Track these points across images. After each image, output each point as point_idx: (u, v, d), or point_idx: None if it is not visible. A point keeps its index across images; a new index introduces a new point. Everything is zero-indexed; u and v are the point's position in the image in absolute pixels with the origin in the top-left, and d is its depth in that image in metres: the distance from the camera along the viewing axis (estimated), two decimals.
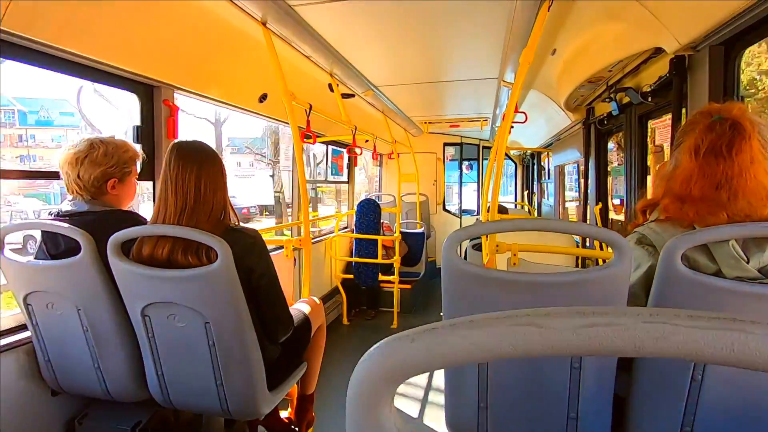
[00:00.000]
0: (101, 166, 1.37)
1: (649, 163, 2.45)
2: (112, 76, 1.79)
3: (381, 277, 4.08)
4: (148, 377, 1.33)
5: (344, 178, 4.69)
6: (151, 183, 2.00)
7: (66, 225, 1.25)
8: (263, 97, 2.56)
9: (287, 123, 3.22)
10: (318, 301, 1.86)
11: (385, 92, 3.40)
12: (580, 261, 3.11)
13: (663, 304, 0.91)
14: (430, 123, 5.15)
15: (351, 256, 4.15)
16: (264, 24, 1.89)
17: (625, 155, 2.59)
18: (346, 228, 4.63)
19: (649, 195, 1.19)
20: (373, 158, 4.25)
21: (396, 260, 3.98)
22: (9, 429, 1.41)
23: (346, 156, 4.46)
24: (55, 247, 1.33)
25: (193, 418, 1.67)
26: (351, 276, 4.11)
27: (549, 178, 5.17)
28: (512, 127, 2.35)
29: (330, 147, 4.15)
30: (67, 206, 1.37)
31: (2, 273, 1.34)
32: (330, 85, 2.80)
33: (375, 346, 0.31)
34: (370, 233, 4.03)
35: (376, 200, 4.40)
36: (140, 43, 1.72)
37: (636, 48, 1.96)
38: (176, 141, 1.29)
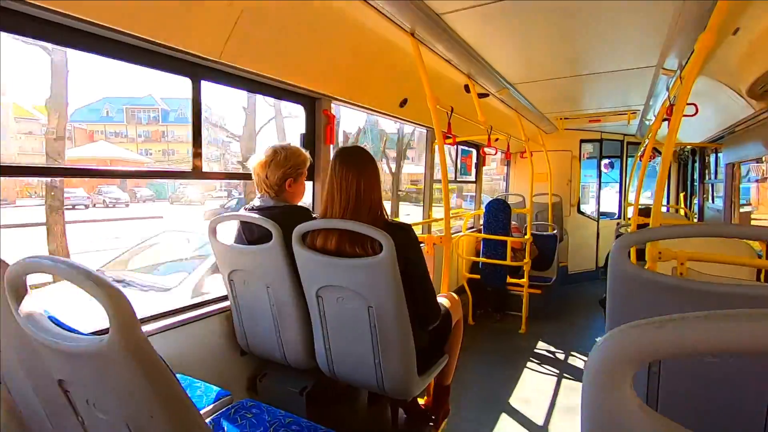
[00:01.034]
0: (282, 168, 1.64)
1: None
2: (283, 91, 2.12)
3: (509, 280, 3.98)
4: (316, 349, 1.55)
5: (472, 177, 4.69)
6: (311, 183, 2.30)
7: (259, 216, 1.53)
8: (403, 102, 2.73)
9: (423, 125, 3.38)
10: (456, 297, 1.92)
11: (520, 89, 3.31)
12: (763, 275, 2.60)
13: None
14: (565, 119, 4.82)
15: (478, 256, 4.13)
16: (412, 34, 2.02)
17: None
18: (472, 228, 4.62)
19: None
20: (505, 157, 4.15)
21: (526, 263, 3.84)
22: (211, 373, 1.77)
23: (474, 155, 4.45)
24: (251, 234, 1.64)
25: (343, 390, 1.88)
26: (477, 276, 4.09)
27: (716, 178, 4.39)
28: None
29: (459, 147, 4.19)
30: (257, 202, 1.67)
31: (214, 254, 1.69)
32: (466, 86, 2.84)
33: (617, 329, 0.35)
34: (499, 234, 3.96)
35: (505, 201, 4.29)
36: (307, 62, 2.00)
37: None
38: (341, 147, 1.48)
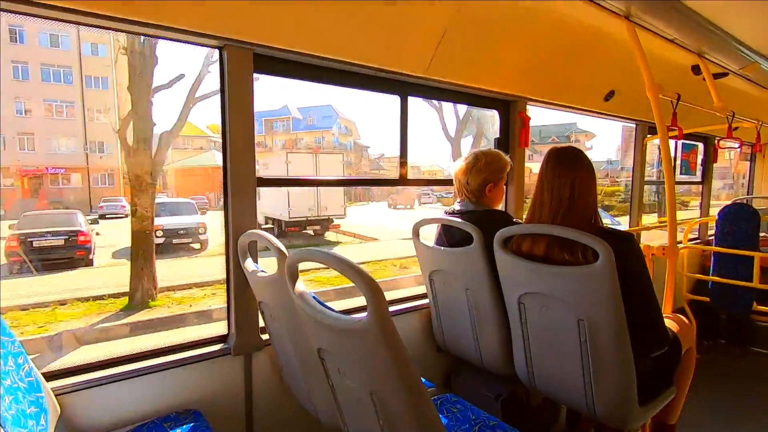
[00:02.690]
0: (483, 173, 1.67)
1: None
2: (479, 98, 2.15)
3: (756, 307, 3.08)
4: (515, 356, 1.52)
5: (697, 177, 3.83)
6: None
7: (461, 220, 1.59)
8: (609, 95, 2.44)
9: (631, 119, 2.95)
10: (687, 321, 1.61)
11: None
12: None
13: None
14: None
15: (705, 273, 3.34)
16: (626, 17, 1.79)
17: None
18: (696, 239, 3.78)
19: None
20: (754, 149, 3.26)
21: None
22: (418, 363, 1.91)
23: (701, 150, 3.64)
24: (451, 237, 1.72)
25: (540, 402, 1.79)
26: (704, 298, 3.31)
27: None
28: None
29: (680, 142, 3.48)
30: (457, 206, 1.74)
31: (417, 254, 1.84)
32: (695, 67, 2.35)
33: None
34: (741, 247, 3.11)
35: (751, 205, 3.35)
36: (504, 66, 1.98)
37: None
38: (553, 148, 1.41)
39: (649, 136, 3.07)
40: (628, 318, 1.25)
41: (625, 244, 1.25)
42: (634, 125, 3.08)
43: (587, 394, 1.30)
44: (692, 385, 1.66)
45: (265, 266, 1.39)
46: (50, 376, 1.22)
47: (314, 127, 34.15)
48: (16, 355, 1.06)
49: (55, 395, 1.16)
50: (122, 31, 1.24)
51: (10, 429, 0.88)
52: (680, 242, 3.56)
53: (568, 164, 1.34)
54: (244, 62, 1.40)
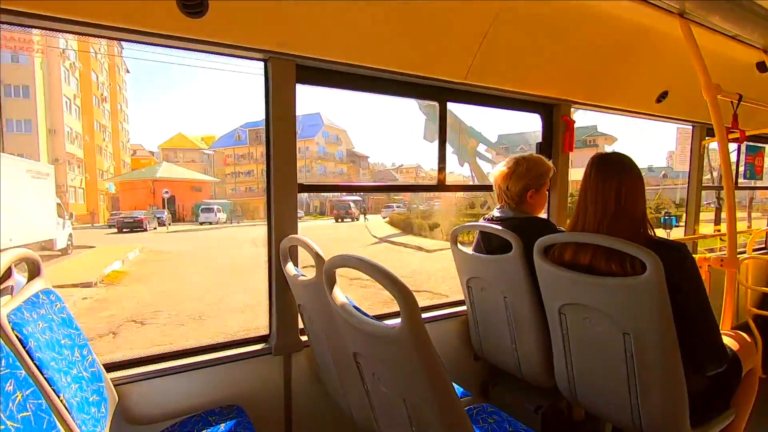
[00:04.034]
0: (524, 179, 1.63)
1: None
2: (520, 102, 2.11)
3: None
4: (556, 368, 1.47)
5: (764, 182, 3.54)
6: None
7: (500, 228, 1.57)
8: (662, 96, 2.31)
9: (687, 121, 2.77)
10: (748, 339, 1.49)
11: None
12: None
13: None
14: None
15: None
16: (681, 14, 1.70)
17: None
18: (763, 249, 3.48)
19: None
20: None
21: None
22: (454, 370, 1.89)
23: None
24: (489, 244, 1.69)
25: (582, 417, 1.72)
26: None
27: None
28: None
29: (744, 144, 3.23)
30: (496, 212, 1.71)
31: (454, 260, 1.83)
32: (760, 64, 2.18)
33: None
34: None
35: None
36: (547, 69, 1.93)
37: None
38: (598, 153, 1.36)
39: (707, 138, 2.87)
40: (680, 333, 1.17)
41: (676, 255, 1.18)
42: (691, 127, 2.90)
43: (633, 411, 1.24)
44: (754, 409, 1.53)
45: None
46: (109, 368, 1.32)
47: (300, 136, 32.78)
48: (81, 347, 1.16)
49: (114, 385, 1.26)
50: (170, 47, 1.32)
51: (75, 414, 0.96)
52: (743, 252, 3.29)
53: (613, 170, 1.28)
54: (288, 73, 1.46)
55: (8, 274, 1.06)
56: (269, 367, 1.54)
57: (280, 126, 1.47)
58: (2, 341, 0.81)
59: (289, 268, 1.43)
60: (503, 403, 1.75)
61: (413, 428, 0.86)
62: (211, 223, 23.07)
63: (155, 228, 20.41)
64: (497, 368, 1.79)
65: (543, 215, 1.74)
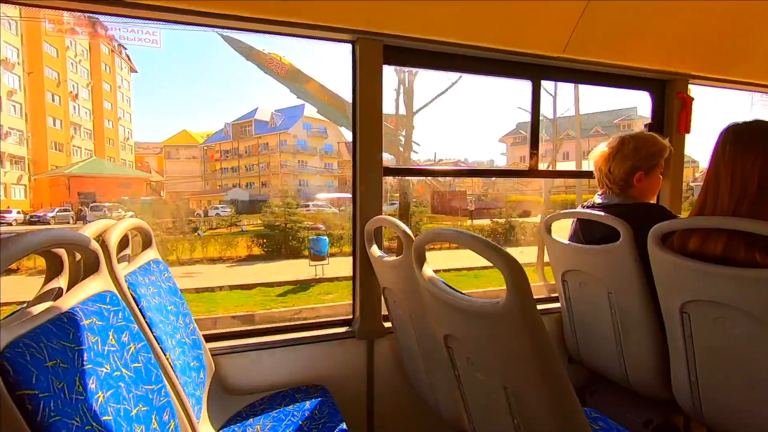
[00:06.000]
0: (630, 159, 1.44)
1: None
2: (625, 78, 1.88)
3: None
4: (673, 379, 1.27)
5: None
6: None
7: (605, 214, 1.40)
8: None
9: None
10: None
11: None
12: None
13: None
14: None
15: None
16: None
17: None
18: None
19: None
20: None
21: None
22: None
23: None
24: (590, 233, 1.52)
25: None
26: None
27: None
28: None
29: None
30: (598, 199, 1.53)
31: (546, 251, 1.68)
32: None
33: None
34: None
35: None
36: (660, 39, 1.70)
37: None
38: (733, 123, 1.15)
39: None
40: None
41: None
42: None
43: None
44: None
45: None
46: (207, 339, 1.40)
47: (276, 129, 29.53)
48: (184, 315, 1.24)
49: (212, 355, 1.33)
50: (258, 31, 1.36)
51: (179, 374, 1.03)
52: None
53: (754, 143, 1.07)
54: (375, 54, 1.44)
55: (126, 242, 1.16)
56: (353, 351, 1.54)
57: (366, 109, 1.46)
58: (120, 297, 0.88)
59: (374, 250, 1.41)
60: (604, 412, 1.56)
61: (515, 421, 0.78)
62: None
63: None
64: (596, 374, 1.61)
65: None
